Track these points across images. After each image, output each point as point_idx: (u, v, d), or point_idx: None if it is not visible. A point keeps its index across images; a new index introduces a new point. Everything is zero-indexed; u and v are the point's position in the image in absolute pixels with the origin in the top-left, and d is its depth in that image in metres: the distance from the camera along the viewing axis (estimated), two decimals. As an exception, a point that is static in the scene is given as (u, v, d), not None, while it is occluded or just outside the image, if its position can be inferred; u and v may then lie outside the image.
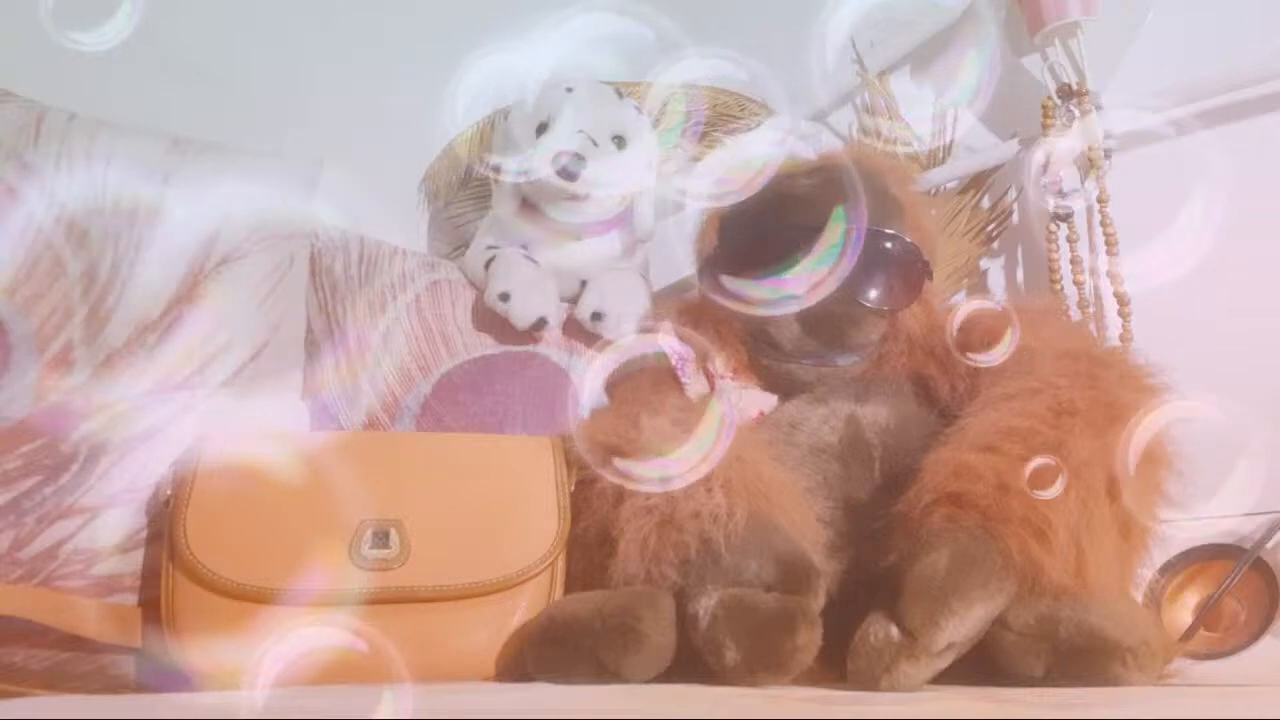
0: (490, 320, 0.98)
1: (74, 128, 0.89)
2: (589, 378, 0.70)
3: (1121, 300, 1.01)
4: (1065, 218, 1.05)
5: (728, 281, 0.83)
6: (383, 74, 1.15)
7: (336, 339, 0.97)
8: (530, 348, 0.98)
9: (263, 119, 1.07)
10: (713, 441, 0.67)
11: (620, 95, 1.04)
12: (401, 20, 1.20)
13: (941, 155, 1.15)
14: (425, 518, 0.77)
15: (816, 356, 0.87)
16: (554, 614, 0.73)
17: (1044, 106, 1.05)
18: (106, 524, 0.80)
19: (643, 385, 0.90)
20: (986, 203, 1.14)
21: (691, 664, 0.70)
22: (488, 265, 1.00)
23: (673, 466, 0.69)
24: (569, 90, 1.02)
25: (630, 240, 1.05)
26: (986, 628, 0.68)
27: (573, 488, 0.81)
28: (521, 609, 0.77)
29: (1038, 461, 0.68)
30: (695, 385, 0.90)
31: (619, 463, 0.69)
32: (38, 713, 0.61)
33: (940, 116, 1.14)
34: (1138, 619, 0.70)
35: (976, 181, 1.14)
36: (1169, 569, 0.90)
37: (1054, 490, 0.68)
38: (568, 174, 0.96)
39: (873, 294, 0.86)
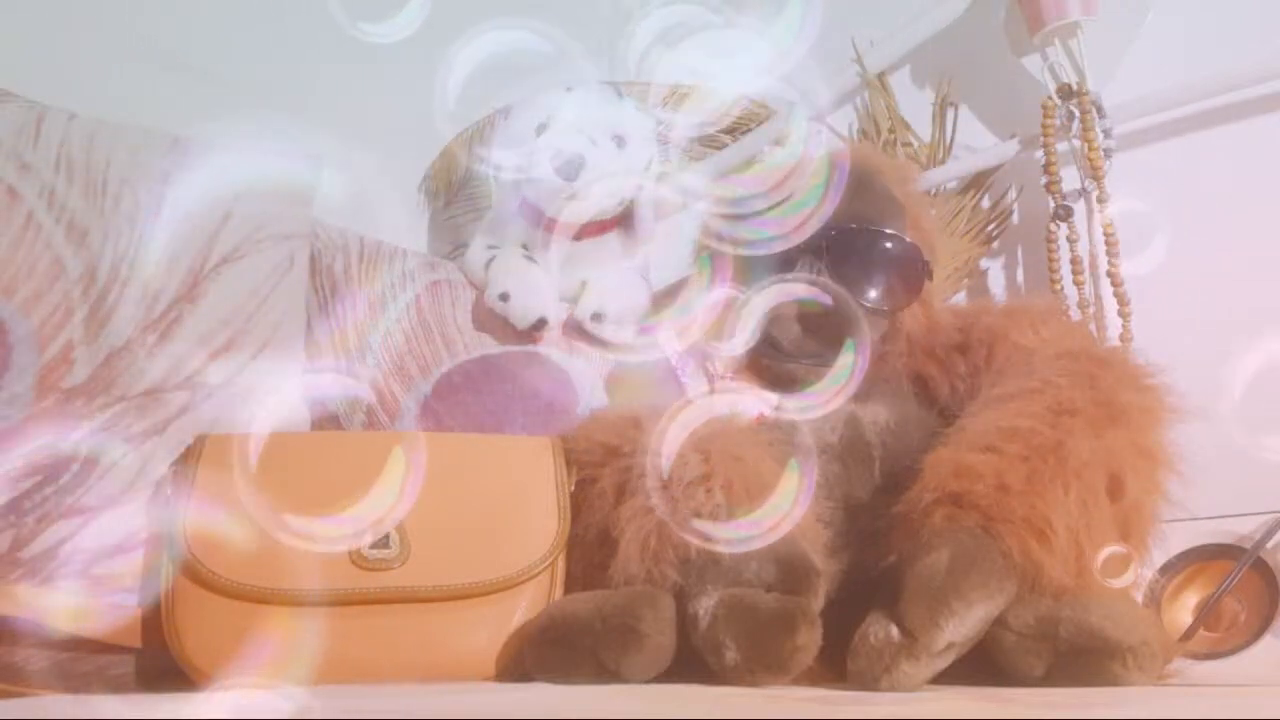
0: (490, 320, 0.98)
1: (74, 128, 0.89)
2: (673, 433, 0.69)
3: (1121, 300, 1.01)
4: (1065, 218, 1.05)
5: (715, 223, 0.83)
6: (383, 74, 1.15)
7: (336, 339, 0.97)
8: (530, 348, 0.98)
9: (263, 119, 1.07)
10: (791, 504, 0.67)
11: (620, 95, 1.04)
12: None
13: (941, 155, 1.15)
14: (425, 518, 0.77)
15: (816, 356, 0.87)
16: (554, 614, 0.73)
17: (1044, 106, 1.05)
18: (106, 524, 0.80)
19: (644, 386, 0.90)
20: (986, 203, 1.14)
21: (691, 664, 0.70)
22: (488, 265, 1.00)
23: (748, 528, 0.68)
24: (569, 90, 1.01)
25: (630, 240, 1.05)
26: (986, 628, 0.68)
27: (573, 488, 0.81)
28: (521, 609, 0.76)
29: (1111, 550, 0.68)
30: (695, 385, 0.90)
31: (698, 524, 0.68)
32: (38, 713, 0.61)
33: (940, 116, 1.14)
34: (1138, 619, 0.70)
35: (976, 181, 1.14)
36: (1169, 569, 0.90)
37: (1126, 578, 0.68)
38: (567, 174, 0.96)
39: (873, 294, 0.86)
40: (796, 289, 0.71)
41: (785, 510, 0.66)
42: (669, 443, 0.69)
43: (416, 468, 0.80)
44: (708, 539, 0.67)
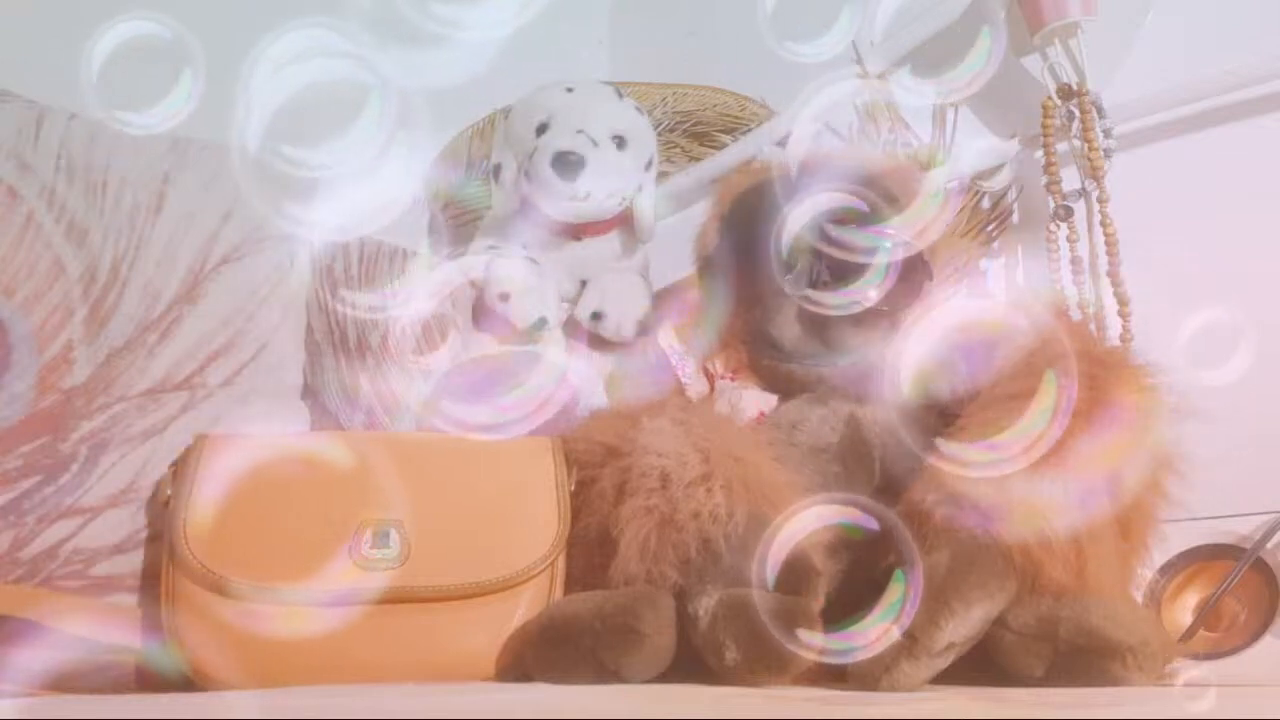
0: (490, 320, 0.98)
1: (74, 128, 0.89)
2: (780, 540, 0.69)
3: (1121, 300, 1.01)
4: (1065, 218, 1.05)
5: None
6: (383, 74, 1.14)
7: (336, 339, 0.97)
8: (530, 348, 0.98)
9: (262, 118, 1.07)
10: (896, 616, 0.66)
11: (620, 95, 1.04)
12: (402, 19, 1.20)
13: (941, 155, 1.15)
14: (425, 518, 0.77)
15: (816, 357, 0.87)
16: (554, 614, 0.73)
17: (1044, 106, 1.05)
18: (106, 524, 0.80)
19: (643, 385, 0.90)
20: (986, 203, 1.14)
21: (691, 664, 0.70)
22: (488, 265, 1.00)
23: (850, 639, 0.66)
24: (569, 90, 1.02)
25: (630, 240, 1.05)
26: (986, 628, 0.68)
27: (573, 488, 0.81)
28: (521, 609, 0.76)
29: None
30: (695, 385, 0.90)
31: (803, 634, 0.66)
32: (38, 713, 0.61)
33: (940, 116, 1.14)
34: (1138, 619, 0.70)
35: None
36: (1169, 569, 0.90)
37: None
38: (568, 174, 0.96)
39: (873, 294, 0.86)
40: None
41: (890, 622, 0.65)
42: (779, 545, 0.68)
43: (416, 468, 0.80)
44: (812, 649, 0.66)
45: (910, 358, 0.77)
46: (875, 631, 0.65)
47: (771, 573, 0.67)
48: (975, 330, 0.78)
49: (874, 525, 0.68)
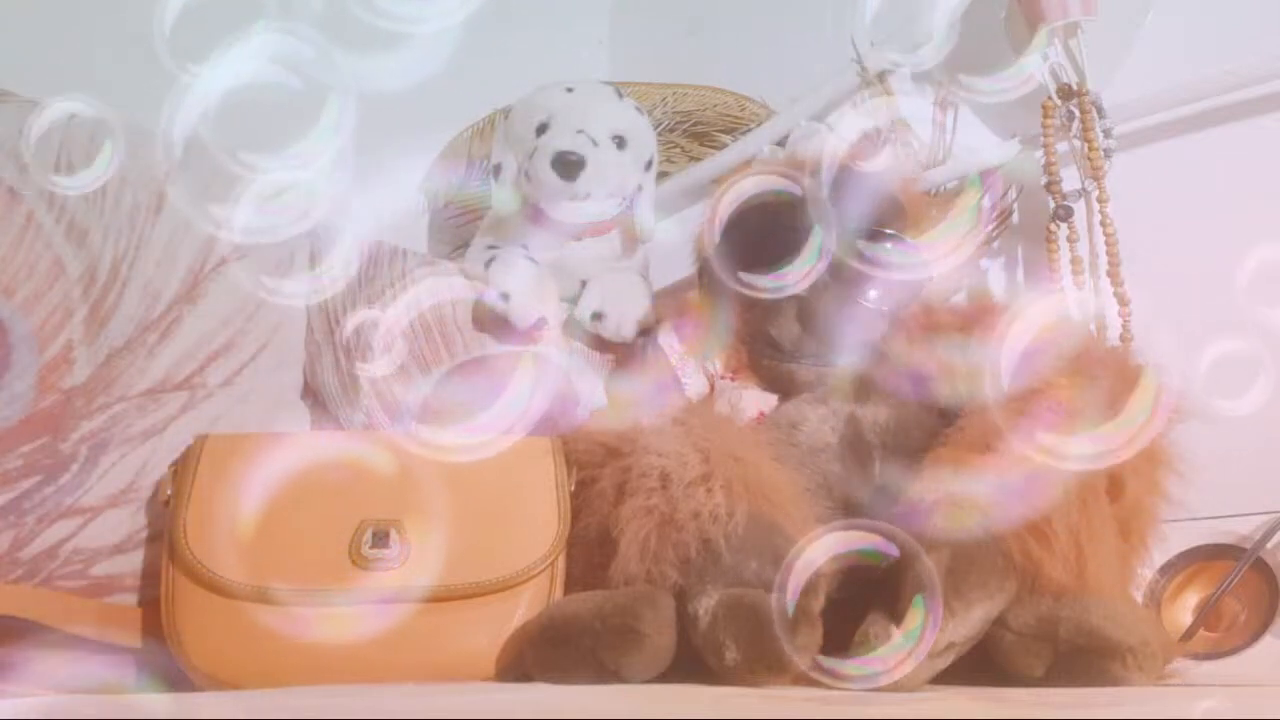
0: (490, 320, 0.98)
1: (74, 128, 0.89)
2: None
3: (1121, 300, 1.01)
4: (1065, 218, 1.05)
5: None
6: (384, 73, 1.15)
7: (336, 339, 0.97)
8: (530, 348, 0.98)
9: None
10: (916, 641, 0.65)
11: (620, 95, 1.04)
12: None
13: (941, 155, 1.14)
14: (425, 518, 0.77)
15: (816, 356, 0.87)
16: (554, 614, 0.73)
17: (1044, 106, 1.05)
18: (106, 524, 0.80)
19: (643, 386, 0.90)
20: (986, 203, 1.14)
21: (691, 664, 0.70)
22: (488, 265, 1.00)
23: (873, 664, 0.65)
24: (569, 90, 1.02)
25: (630, 240, 1.05)
26: (986, 628, 0.68)
27: (573, 488, 0.81)
28: (521, 609, 0.77)
29: None
30: (695, 385, 0.90)
31: (823, 660, 0.66)
32: (38, 713, 0.61)
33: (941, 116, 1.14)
34: (1138, 619, 0.70)
35: (976, 181, 1.13)
36: (1169, 569, 0.90)
37: None
38: (568, 174, 0.97)
39: (873, 294, 0.86)
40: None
41: (910, 648, 0.65)
42: (800, 569, 0.68)
43: (417, 468, 0.80)
44: (833, 674, 0.66)
45: (938, 361, 0.77)
46: (895, 658, 0.65)
47: (791, 599, 0.67)
48: (1006, 336, 0.78)
49: (894, 552, 0.67)
